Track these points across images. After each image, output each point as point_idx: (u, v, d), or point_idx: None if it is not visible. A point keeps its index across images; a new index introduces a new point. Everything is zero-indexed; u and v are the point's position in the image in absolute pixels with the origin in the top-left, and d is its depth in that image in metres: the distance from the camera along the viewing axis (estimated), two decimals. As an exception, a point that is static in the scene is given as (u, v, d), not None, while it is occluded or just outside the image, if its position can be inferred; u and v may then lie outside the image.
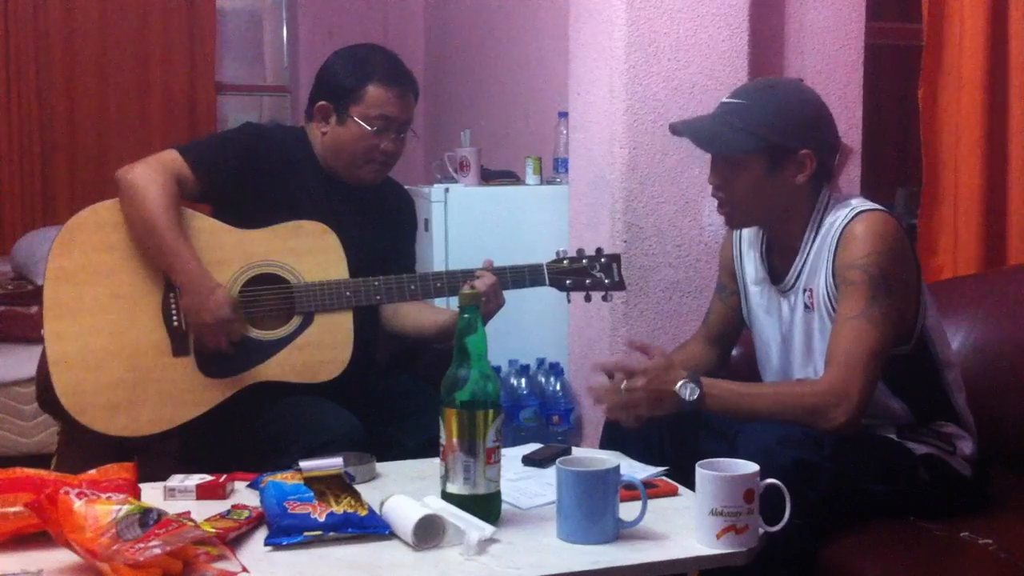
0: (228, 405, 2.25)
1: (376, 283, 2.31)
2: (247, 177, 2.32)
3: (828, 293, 2.03)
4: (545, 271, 2.35)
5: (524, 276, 2.35)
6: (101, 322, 2.23)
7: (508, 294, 2.32)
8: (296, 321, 2.30)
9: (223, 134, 2.54)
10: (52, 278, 2.24)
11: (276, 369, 2.27)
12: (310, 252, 2.31)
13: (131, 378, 2.22)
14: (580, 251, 2.40)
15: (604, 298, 2.42)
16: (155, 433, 2.23)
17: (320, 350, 2.29)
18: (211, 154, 2.33)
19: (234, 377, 2.25)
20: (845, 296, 1.98)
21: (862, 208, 2.03)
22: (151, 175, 2.23)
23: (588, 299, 2.41)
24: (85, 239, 2.26)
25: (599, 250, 2.41)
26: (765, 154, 2.03)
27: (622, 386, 1.96)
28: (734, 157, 2.05)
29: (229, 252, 2.29)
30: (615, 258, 2.40)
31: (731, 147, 2.05)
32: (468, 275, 2.31)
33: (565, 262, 2.37)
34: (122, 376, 2.22)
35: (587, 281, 2.36)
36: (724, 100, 2.12)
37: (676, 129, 2.15)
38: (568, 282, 2.36)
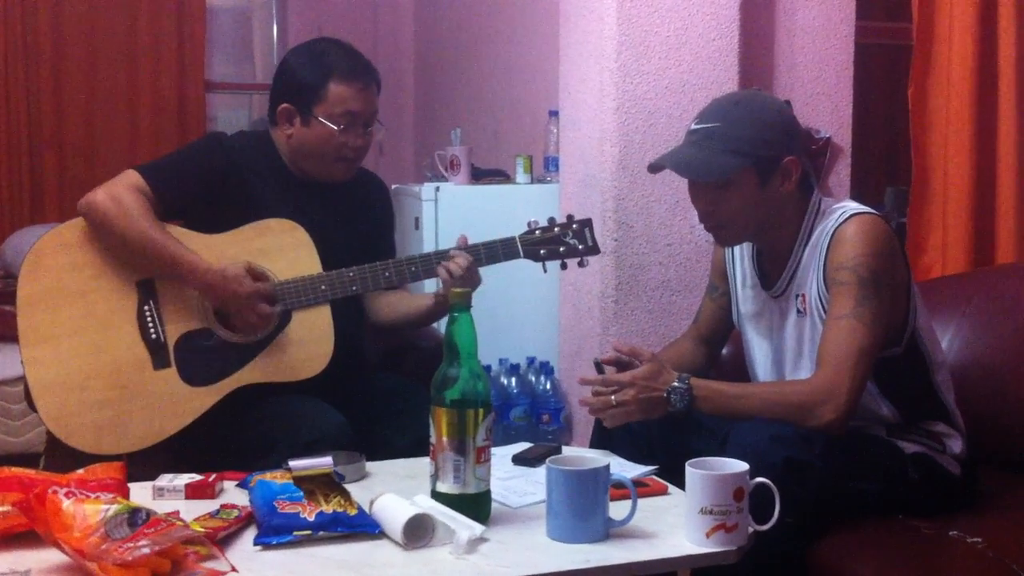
0: (215, 409, 2.24)
1: (351, 274, 2.28)
2: (212, 190, 2.30)
3: (820, 297, 2.03)
4: (518, 243, 2.31)
5: (497, 251, 2.31)
6: (79, 343, 2.21)
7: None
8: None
9: (184, 150, 2.46)
10: (24, 304, 2.22)
11: (259, 371, 2.25)
12: (280, 250, 2.29)
13: (115, 396, 2.20)
14: (551, 219, 2.36)
15: (580, 264, 2.37)
16: (145, 448, 2.20)
17: (301, 347, 2.27)
18: (172, 173, 2.30)
19: (218, 383, 2.23)
20: (835, 297, 1.98)
21: (852, 211, 2.03)
22: (118, 194, 2.21)
23: (564, 267, 2.39)
24: (52, 262, 2.24)
25: (570, 216, 2.37)
26: (754, 168, 2.02)
27: (612, 399, 1.98)
28: (724, 179, 2.03)
29: None
30: (587, 223, 2.35)
31: (722, 171, 2.02)
32: (442, 256, 2.29)
33: (537, 232, 2.33)
34: (106, 395, 2.20)
35: (561, 249, 2.33)
36: (694, 127, 2.07)
37: (657, 166, 2.11)
38: (542, 252, 2.32)
